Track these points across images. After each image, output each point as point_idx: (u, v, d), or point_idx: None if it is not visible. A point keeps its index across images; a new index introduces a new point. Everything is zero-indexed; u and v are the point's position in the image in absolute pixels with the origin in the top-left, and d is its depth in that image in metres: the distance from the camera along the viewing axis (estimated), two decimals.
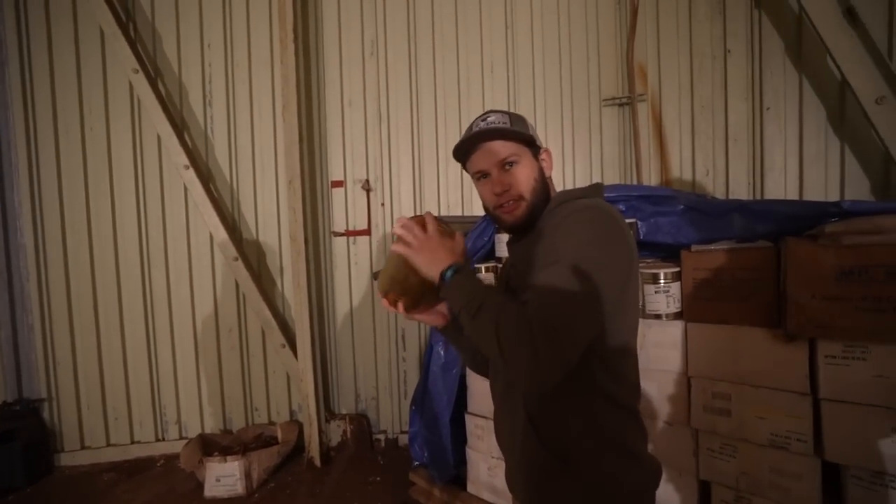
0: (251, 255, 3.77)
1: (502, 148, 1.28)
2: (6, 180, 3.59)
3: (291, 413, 3.88)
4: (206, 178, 3.72)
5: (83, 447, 3.65)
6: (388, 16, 3.71)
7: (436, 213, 3.23)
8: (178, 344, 3.76)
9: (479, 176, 1.30)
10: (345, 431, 3.82)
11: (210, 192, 3.67)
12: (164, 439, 3.74)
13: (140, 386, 3.73)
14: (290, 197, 3.54)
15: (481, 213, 3.31)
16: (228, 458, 3.29)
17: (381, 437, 3.78)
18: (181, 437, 3.76)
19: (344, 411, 3.86)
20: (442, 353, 2.87)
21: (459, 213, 3.67)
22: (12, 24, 3.52)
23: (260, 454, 3.39)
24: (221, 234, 3.66)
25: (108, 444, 3.68)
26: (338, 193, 3.81)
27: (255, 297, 3.70)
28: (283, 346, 3.76)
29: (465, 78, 3.65)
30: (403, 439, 3.73)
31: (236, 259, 3.68)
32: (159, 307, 3.74)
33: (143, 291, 3.72)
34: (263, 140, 3.77)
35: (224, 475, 3.26)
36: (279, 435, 3.71)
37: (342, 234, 3.85)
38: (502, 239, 2.66)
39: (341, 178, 3.80)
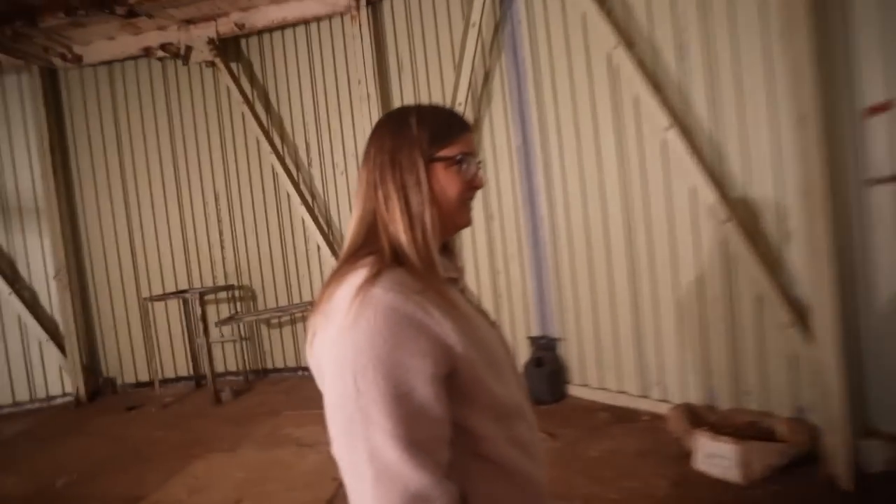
0: (742, 216, 2.29)
1: None
2: (531, 168, 3.12)
3: (797, 410, 2.17)
4: (687, 134, 2.42)
5: (584, 384, 3.02)
6: None
7: None
8: (660, 307, 2.68)
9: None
10: (894, 459, 1.83)
11: (693, 150, 2.38)
12: (646, 396, 2.75)
13: (625, 341, 2.83)
14: (801, 139, 1.91)
15: None
16: (722, 437, 2.08)
17: None
18: (662, 400, 2.68)
19: (894, 430, 1.87)
20: None
21: None
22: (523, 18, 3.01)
23: (763, 447, 2.06)
24: (708, 194, 2.34)
25: (601, 388, 2.94)
26: (877, 124, 1.77)
27: (750, 265, 2.22)
28: (791, 326, 2.07)
29: None
30: None
31: (727, 221, 2.29)
32: (642, 268, 2.72)
33: (628, 252, 2.77)
34: (753, 78, 2.21)
35: (716, 454, 2.09)
36: (780, 432, 2.12)
37: (887, 181, 1.79)
38: None
39: (885, 100, 1.74)
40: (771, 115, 2.19)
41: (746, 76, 2.26)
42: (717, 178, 2.36)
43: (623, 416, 2.70)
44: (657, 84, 2.50)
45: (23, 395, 3.99)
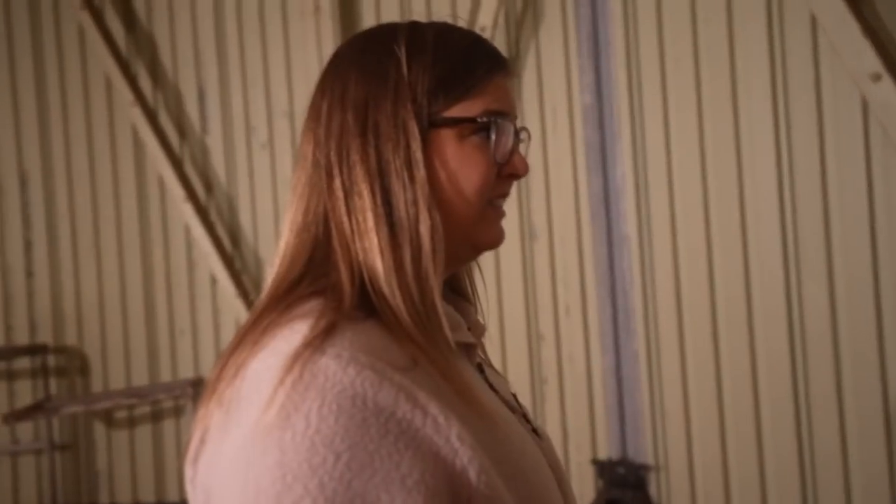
0: None
1: None
2: (608, 147, 3.14)
3: None
4: None
5: None
6: None
7: None
8: (852, 416, 2.64)
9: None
10: None
11: None
12: None
13: (784, 477, 2.72)
14: None
15: None
16: None
17: None
18: None
19: None
20: None
21: None
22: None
23: None
24: None
25: None
26: None
27: None
28: None
29: None
30: None
31: None
32: (814, 340, 2.68)
33: (788, 306, 2.74)
34: None
35: None
36: None
37: None
38: None
39: None
40: None
41: None
42: None
43: None
44: None
45: None
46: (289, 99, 3.74)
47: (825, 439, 2.65)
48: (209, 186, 3.89)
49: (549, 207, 3.18)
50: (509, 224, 3.36)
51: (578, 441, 3.13)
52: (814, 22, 2.61)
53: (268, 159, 3.79)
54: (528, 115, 3.22)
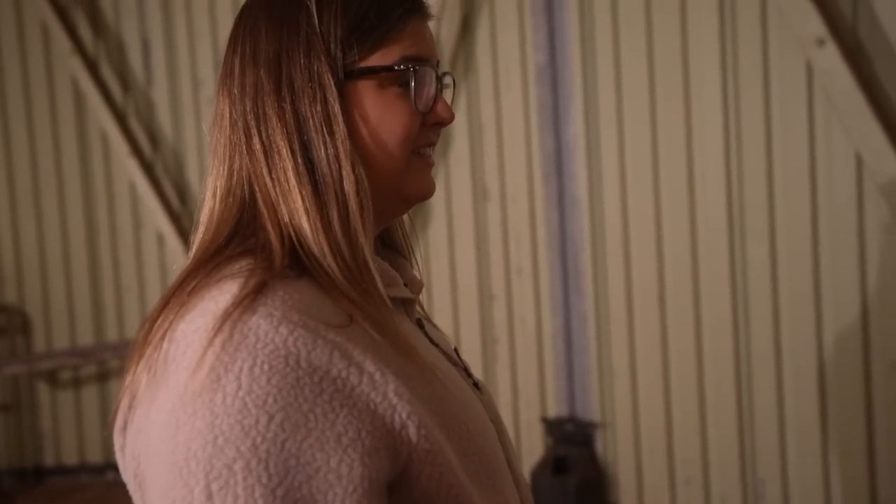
0: None
1: None
2: (561, 107, 3.16)
3: None
4: None
5: (641, 502, 3.02)
6: None
7: None
8: (790, 374, 2.74)
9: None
10: None
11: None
12: None
13: (723, 433, 2.83)
14: None
15: None
16: None
17: None
18: None
19: None
20: None
21: None
22: None
23: None
24: None
25: None
26: None
27: None
28: None
29: None
30: None
31: None
32: (756, 299, 2.76)
33: (731, 262, 2.81)
34: None
35: None
36: None
37: None
38: None
39: None
40: None
41: None
42: None
43: None
44: None
45: None
46: None
47: (764, 396, 2.74)
48: (155, 141, 3.85)
49: (501, 167, 3.20)
50: (462, 184, 3.32)
51: (528, 399, 3.19)
52: None
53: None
54: (482, 73, 3.23)
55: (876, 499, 2.54)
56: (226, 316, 0.65)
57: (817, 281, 2.61)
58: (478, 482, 0.73)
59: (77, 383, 3.96)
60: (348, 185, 0.72)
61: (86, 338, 3.90)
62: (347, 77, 0.75)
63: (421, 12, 0.79)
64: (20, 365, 3.71)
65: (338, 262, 0.71)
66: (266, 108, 0.73)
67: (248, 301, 0.66)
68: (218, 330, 0.64)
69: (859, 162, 2.48)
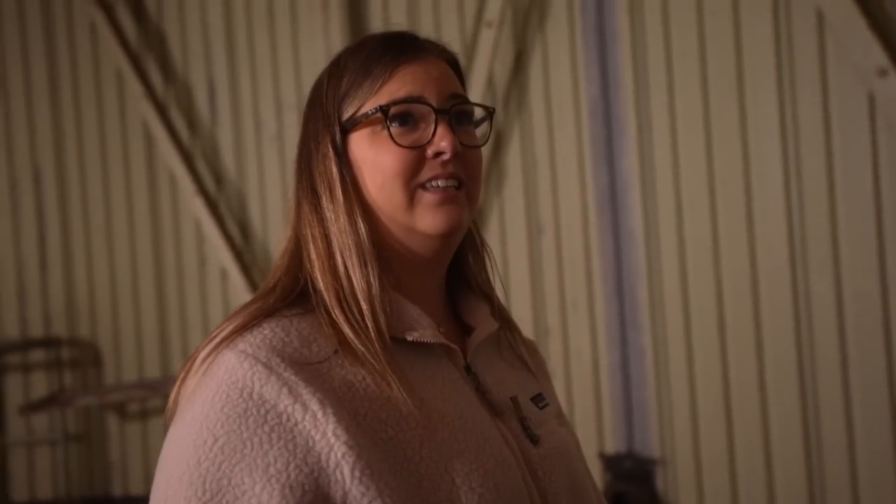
0: None
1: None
2: (615, 141, 3.14)
3: None
4: None
5: None
6: None
7: None
8: (858, 407, 2.66)
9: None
10: None
11: None
12: None
13: (790, 469, 2.75)
14: None
15: None
16: None
17: None
18: None
19: None
20: None
21: None
22: None
23: None
24: None
25: None
26: None
27: None
28: None
29: None
30: None
31: None
32: (821, 333, 2.69)
33: (795, 297, 2.74)
34: None
35: None
36: None
37: None
38: None
39: None
40: None
41: None
42: None
43: None
44: None
45: None
46: (297, 92, 3.72)
47: (832, 434, 2.65)
48: (219, 180, 3.91)
49: (555, 202, 3.18)
50: (516, 219, 3.31)
51: (585, 435, 3.09)
52: (820, 16, 2.60)
53: (276, 152, 3.80)
54: (534, 110, 3.23)
55: None
56: (214, 349, 0.74)
57: (886, 315, 2.54)
58: None
59: (144, 415, 3.99)
60: (347, 237, 0.78)
61: (153, 371, 3.96)
62: (345, 132, 0.80)
63: (409, 56, 0.81)
64: (91, 397, 3.75)
65: (337, 300, 0.76)
66: (300, 173, 0.83)
67: (232, 338, 0.74)
68: (206, 358, 0.75)
69: None
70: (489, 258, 0.94)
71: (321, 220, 0.80)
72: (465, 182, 0.81)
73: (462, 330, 0.88)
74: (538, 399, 0.89)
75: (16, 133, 4.17)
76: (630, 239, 3.03)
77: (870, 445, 2.59)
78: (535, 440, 0.83)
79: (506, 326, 0.93)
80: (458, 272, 0.90)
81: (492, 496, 0.75)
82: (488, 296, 0.91)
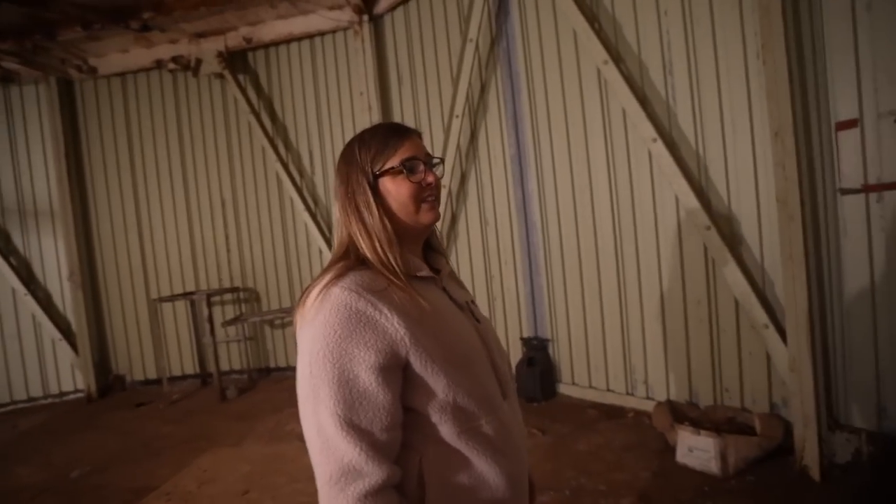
0: (722, 223, 2.35)
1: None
2: (525, 174, 3.11)
3: (772, 406, 2.25)
4: (672, 146, 2.47)
5: (573, 383, 3.03)
6: None
7: None
8: (646, 309, 2.70)
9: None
10: (857, 451, 1.91)
11: (677, 161, 2.43)
12: (632, 394, 2.78)
13: (614, 342, 2.85)
14: (777, 152, 2.02)
15: None
16: (702, 431, 2.15)
17: None
18: (647, 397, 2.72)
19: (858, 424, 1.93)
20: None
21: None
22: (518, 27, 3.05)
23: (737, 439, 2.13)
24: (691, 201, 2.39)
25: (590, 386, 2.95)
26: (848, 138, 1.84)
27: (730, 270, 2.25)
28: (766, 327, 2.15)
29: None
30: None
31: (708, 228, 2.35)
32: (629, 273, 2.74)
33: (616, 256, 2.78)
34: (733, 95, 2.29)
35: (697, 448, 2.16)
36: (757, 426, 2.19)
37: (856, 192, 1.87)
38: None
39: (854, 117, 1.82)
40: (750, 128, 2.26)
41: (727, 93, 2.32)
42: (700, 187, 2.41)
43: (610, 413, 2.74)
44: (644, 98, 2.54)
45: (37, 391, 4.09)
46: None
47: (634, 299, 2.65)
48: (316, 202, 3.97)
49: (494, 207, 3.21)
50: (473, 217, 3.38)
51: (512, 327, 3.21)
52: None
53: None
54: (482, 159, 3.22)
55: None
56: (324, 287, 0.73)
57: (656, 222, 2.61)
58: (458, 370, 0.72)
59: (283, 325, 4.09)
60: (381, 231, 0.77)
61: (286, 302, 4.05)
62: (376, 178, 0.79)
63: (409, 135, 0.80)
64: (256, 317, 3.84)
65: (379, 261, 0.75)
66: (346, 201, 0.80)
67: (335, 280, 0.73)
68: (320, 292, 0.73)
69: None
70: (440, 235, 0.94)
71: (364, 224, 0.77)
72: (438, 197, 0.82)
73: (433, 271, 0.86)
74: (473, 302, 0.88)
75: (198, 175, 4.13)
76: (533, 227, 3.07)
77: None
78: (479, 321, 0.84)
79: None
80: (427, 242, 0.87)
81: (468, 345, 0.77)
82: (443, 253, 0.88)
